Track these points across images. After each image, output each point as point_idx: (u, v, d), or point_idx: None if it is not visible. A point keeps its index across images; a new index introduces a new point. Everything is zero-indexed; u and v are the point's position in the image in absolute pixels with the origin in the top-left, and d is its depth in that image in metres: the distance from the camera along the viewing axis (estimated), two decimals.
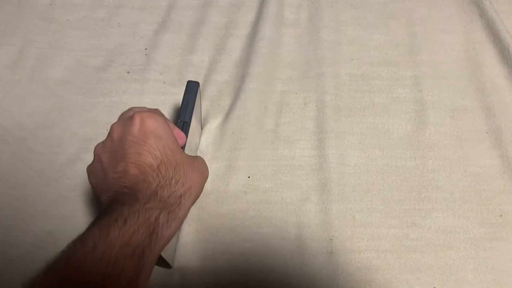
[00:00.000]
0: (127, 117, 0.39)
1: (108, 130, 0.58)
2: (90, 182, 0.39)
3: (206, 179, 0.39)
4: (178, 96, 0.60)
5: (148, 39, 0.67)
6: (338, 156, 0.55)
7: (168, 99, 0.61)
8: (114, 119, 0.59)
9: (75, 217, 0.53)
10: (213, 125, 0.58)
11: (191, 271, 0.48)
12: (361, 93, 0.59)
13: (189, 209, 0.35)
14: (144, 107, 0.42)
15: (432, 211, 0.52)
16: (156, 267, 0.47)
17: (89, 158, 0.56)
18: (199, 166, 0.39)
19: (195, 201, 0.36)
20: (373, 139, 0.56)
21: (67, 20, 0.69)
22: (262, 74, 0.61)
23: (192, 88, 0.49)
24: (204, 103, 0.60)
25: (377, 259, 0.50)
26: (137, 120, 0.36)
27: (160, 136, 0.35)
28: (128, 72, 0.63)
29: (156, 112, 0.41)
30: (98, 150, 0.40)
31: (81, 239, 0.28)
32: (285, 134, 0.57)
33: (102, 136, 0.58)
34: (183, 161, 0.36)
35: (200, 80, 0.62)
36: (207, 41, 0.66)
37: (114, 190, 0.32)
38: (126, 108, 0.59)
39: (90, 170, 0.39)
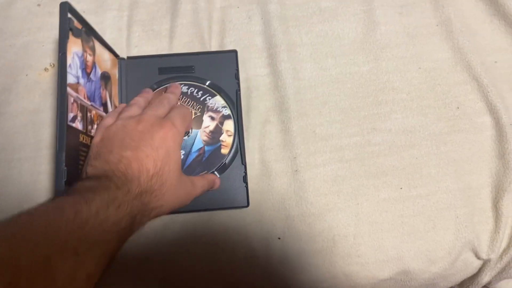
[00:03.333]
0: (159, 116, 0.41)
1: (28, 75, 0.50)
2: (103, 134, 0.39)
3: (181, 205, 0.41)
4: (101, 25, 0.52)
5: None
6: (291, 71, 0.52)
7: None
8: (33, 61, 0.51)
9: (10, 179, 0.47)
10: (148, 52, 0.52)
11: None
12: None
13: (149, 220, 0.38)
14: (181, 109, 0.44)
15: (391, 113, 0.51)
16: None
17: (12, 111, 0.49)
18: (182, 193, 0.40)
19: (157, 216, 0.38)
20: (324, 48, 0.53)
21: None
22: None
23: (61, 11, 0.38)
24: (135, 29, 0.53)
25: (342, 169, 0.49)
26: (164, 129, 0.39)
27: (169, 153, 0.38)
28: (38, 5, 0.53)
29: (185, 119, 0.43)
30: (125, 118, 0.40)
31: (86, 199, 0.31)
32: None
33: (22, 84, 0.50)
34: (172, 182, 0.38)
35: (125, 3, 0.54)
36: None
37: (110, 169, 0.35)
38: (45, 48, 0.51)
39: (111, 129, 0.39)
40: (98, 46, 0.45)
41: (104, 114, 0.45)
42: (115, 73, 0.49)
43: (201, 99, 0.50)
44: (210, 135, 0.49)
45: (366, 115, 0.51)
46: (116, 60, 0.50)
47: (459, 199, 0.49)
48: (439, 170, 0.49)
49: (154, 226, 0.46)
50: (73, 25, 0.40)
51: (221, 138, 0.49)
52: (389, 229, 0.48)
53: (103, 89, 0.46)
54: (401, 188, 0.49)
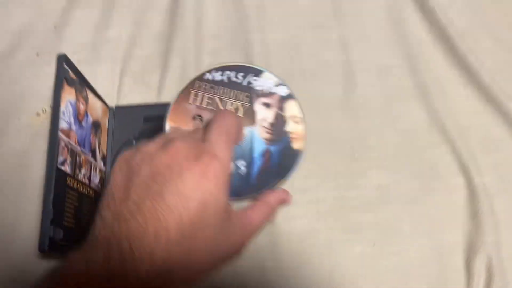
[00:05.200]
0: (193, 139, 0.29)
1: (20, 120, 0.52)
2: (122, 166, 0.28)
3: (229, 258, 0.31)
4: (95, 74, 0.55)
5: (56, 16, 0.60)
6: None
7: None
8: (27, 107, 0.54)
9: None
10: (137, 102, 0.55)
11: None
12: (290, 59, 0.58)
13: None
14: (223, 120, 0.31)
15: (367, 170, 0.53)
16: None
17: (3, 153, 0.51)
18: (230, 242, 0.30)
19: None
20: (303, 104, 0.56)
21: None
22: (187, 48, 0.58)
23: (59, 63, 0.41)
24: (126, 80, 0.56)
25: (318, 222, 0.50)
26: (200, 165, 0.27)
27: (207, 205, 0.26)
28: (37, 55, 0.57)
29: (231, 135, 0.31)
30: (149, 154, 0.28)
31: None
32: None
33: (14, 127, 0.52)
34: (210, 238, 0.27)
35: (119, 56, 0.57)
36: (123, 16, 0.61)
37: (118, 231, 0.24)
38: (39, 94, 0.54)
39: (133, 160, 0.28)
40: (90, 96, 0.48)
41: (92, 160, 0.47)
42: (105, 122, 0.52)
43: (244, 83, 0.37)
44: (271, 129, 0.36)
45: (343, 171, 0.53)
46: (106, 109, 0.53)
47: (431, 257, 0.49)
48: (412, 228, 0.50)
49: None
50: (68, 75, 0.43)
51: (287, 129, 0.37)
52: (362, 286, 0.48)
53: (93, 136, 0.48)
54: (374, 245, 0.49)
